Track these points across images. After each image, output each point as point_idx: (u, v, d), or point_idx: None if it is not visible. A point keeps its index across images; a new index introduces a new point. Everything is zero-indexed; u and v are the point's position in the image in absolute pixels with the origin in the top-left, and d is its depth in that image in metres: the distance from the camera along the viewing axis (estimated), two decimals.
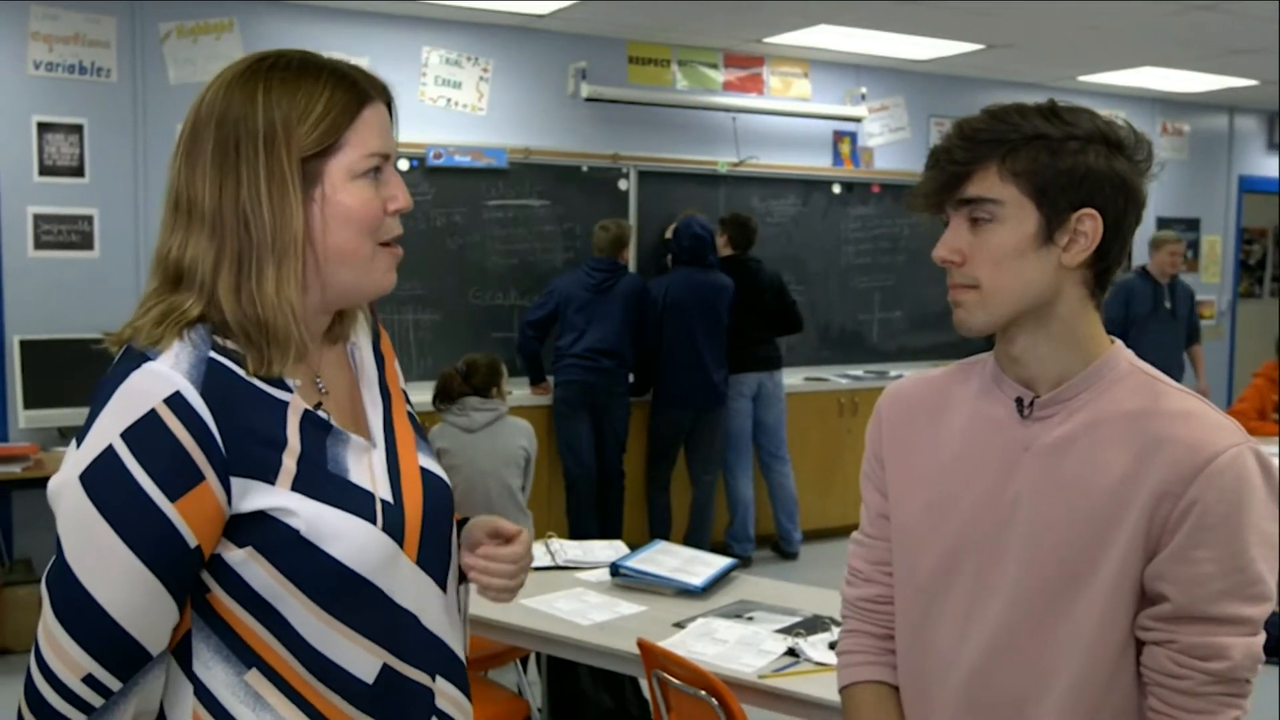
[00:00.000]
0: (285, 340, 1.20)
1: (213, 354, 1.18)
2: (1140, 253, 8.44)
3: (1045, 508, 1.37)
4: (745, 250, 6.21)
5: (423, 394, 5.47)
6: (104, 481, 1.12)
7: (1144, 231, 8.43)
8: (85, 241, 5.23)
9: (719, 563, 3.25)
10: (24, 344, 4.94)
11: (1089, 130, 1.34)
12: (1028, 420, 1.41)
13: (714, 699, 2.30)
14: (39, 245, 5.15)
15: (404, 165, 5.82)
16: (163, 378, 1.14)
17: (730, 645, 2.64)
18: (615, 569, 3.18)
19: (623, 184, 6.50)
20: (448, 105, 6.04)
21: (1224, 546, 1.27)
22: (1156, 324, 6.48)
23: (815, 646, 2.59)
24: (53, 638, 1.13)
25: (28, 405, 4.90)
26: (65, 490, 1.14)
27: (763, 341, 6.22)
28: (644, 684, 2.58)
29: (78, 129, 5.20)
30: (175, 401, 1.13)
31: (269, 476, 1.17)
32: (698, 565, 3.22)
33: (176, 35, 5.38)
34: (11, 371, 4.99)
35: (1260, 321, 9.58)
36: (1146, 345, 6.51)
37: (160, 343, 1.17)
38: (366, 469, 1.26)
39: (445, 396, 4.49)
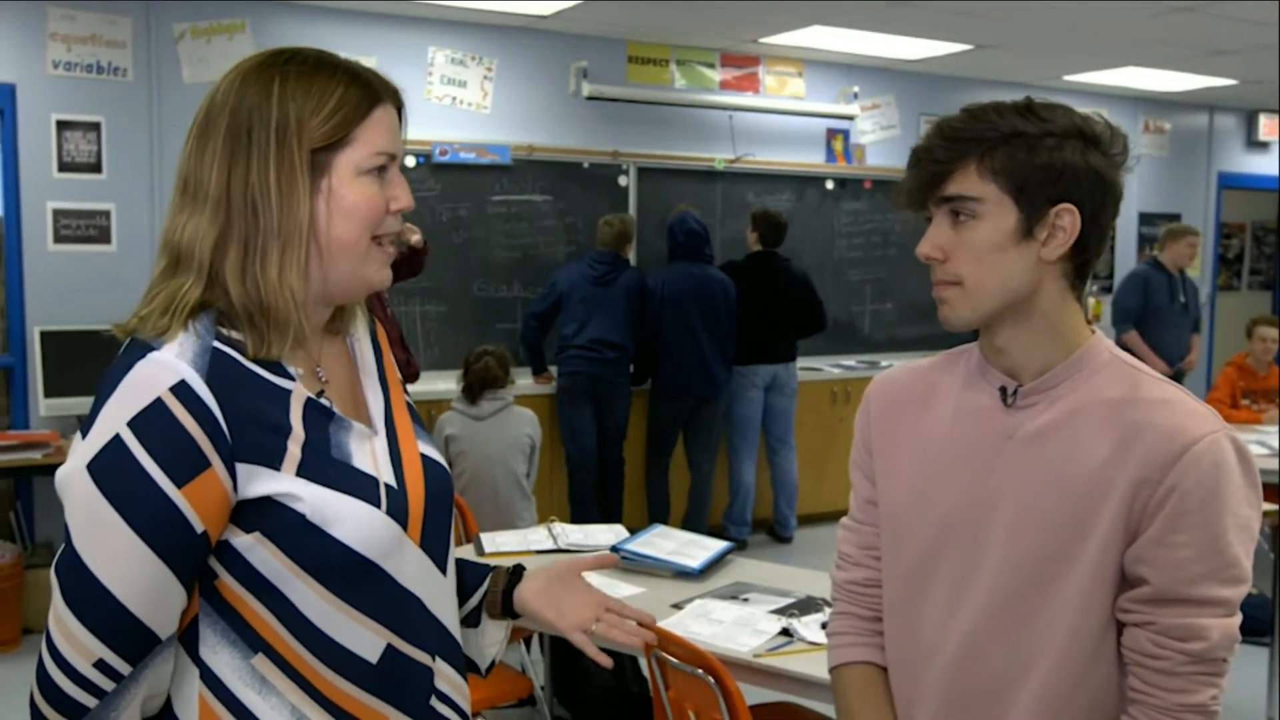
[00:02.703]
0: (285, 324, 1.19)
1: (216, 343, 1.17)
2: (1125, 246, 8.45)
3: (1028, 494, 1.37)
4: (774, 247, 6.19)
5: (430, 384, 5.49)
6: (112, 470, 1.11)
7: (1128, 225, 8.44)
8: (103, 236, 5.23)
9: (716, 546, 3.25)
10: (44, 335, 4.94)
11: (1065, 126, 1.34)
12: (1011, 409, 1.41)
13: (711, 677, 2.30)
14: (58, 239, 5.14)
15: (410, 162, 5.82)
16: (168, 366, 1.13)
17: (727, 625, 2.64)
18: (615, 552, 3.18)
19: (622, 180, 6.49)
20: (453, 103, 6.03)
21: (1202, 531, 1.27)
22: (1172, 316, 6.31)
23: (809, 626, 2.60)
24: (63, 624, 1.12)
25: (48, 394, 4.90)
26: (73, 479, 1.13)
27: (780, 337, 6.22)
28: (643, 663, 2.59)
29: (95, 126, 5.19)
30: (181, 390, 1.12)
31: (274, 462, 1.17)
32: (695, 548, 3.22)
33: (190, 36, 5.37)
34: (32, 361, 4.99)
35: (1239, 313, 9.56)
36: (1162, 337, 6.35)
37: (166, 333, 1.16)
38: (369, 455, 1.25)
39: (493, 384, 4.49)
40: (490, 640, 1.47)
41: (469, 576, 1.47)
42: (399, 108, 1.28)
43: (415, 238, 4.79)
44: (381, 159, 1.23)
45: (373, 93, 1.23)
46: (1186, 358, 6.55)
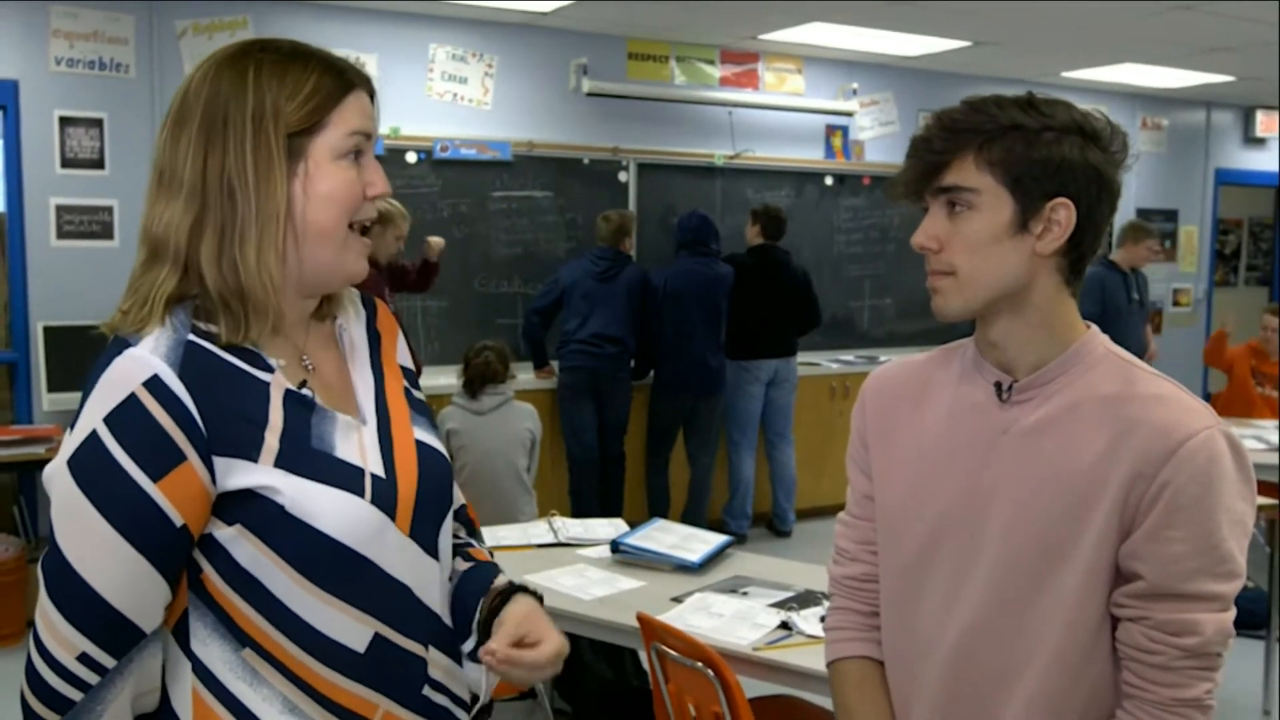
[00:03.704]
0: (263, 308, 1.20)
1: (192, 336, 1.18)
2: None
3: (1023, 489, 1.37)
4: (775, 240, 6.21)
5: (432, 378, 5.49)
6: (89, 466, 1.12)
7: (1124, 221, 8.43)
8: (105, 231, 5.22)
9: (715, 540, 3.25)
10: (47, 330, 4.94)
11: (1065, 122, 1.33)
12: (1006, 404, 1.41)
13: (710, 670, 2.30)
14: (61, 235, 5.14)
15: (412, 158, 5.82)
16: (141, 362, 1.14)
17: (726, 619, 2.65)
18: (615, 546, 3.18)
19: (623, 176, 6.49)
20: (454, 100, 6.03)
21: (1196, 526, 1.27)
22: (1129, 316, 6.30)
23: (807, 620, 2.60)
24: (48, 619, 1.13)
25: (51, 389, 4.90)
26: (56, 476, 1.14)
27: (782, 331, 6.23)
28: (643, 656, 2.59)
29: (98, 123, 5.19)
30: (153, 384, 1.13)
31: (251, 454, 1.16)
32: (695, 542, 3.22)
33: (192, 32, 5.36)
34: (35, 356, 4.99)
35: (1235, 309, 9.57)
36: (1124, 337, 6.33)
37: (143, 328, 1.17)
38: (356, 445, 1.25)
39: (493, 378, 4.50)
40: (473, 680, 1.36)
41: (469, 602, 1.37)
42: (371, 95, 1.29)
43: (435, 253, 4.92)
44: (356, 139, 1.24)
45: (346, 80, 1.24)
46: (1148, 352, 6.50)
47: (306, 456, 1.20)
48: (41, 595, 1.14)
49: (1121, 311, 6.16)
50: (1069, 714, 1.36)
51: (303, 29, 5.51)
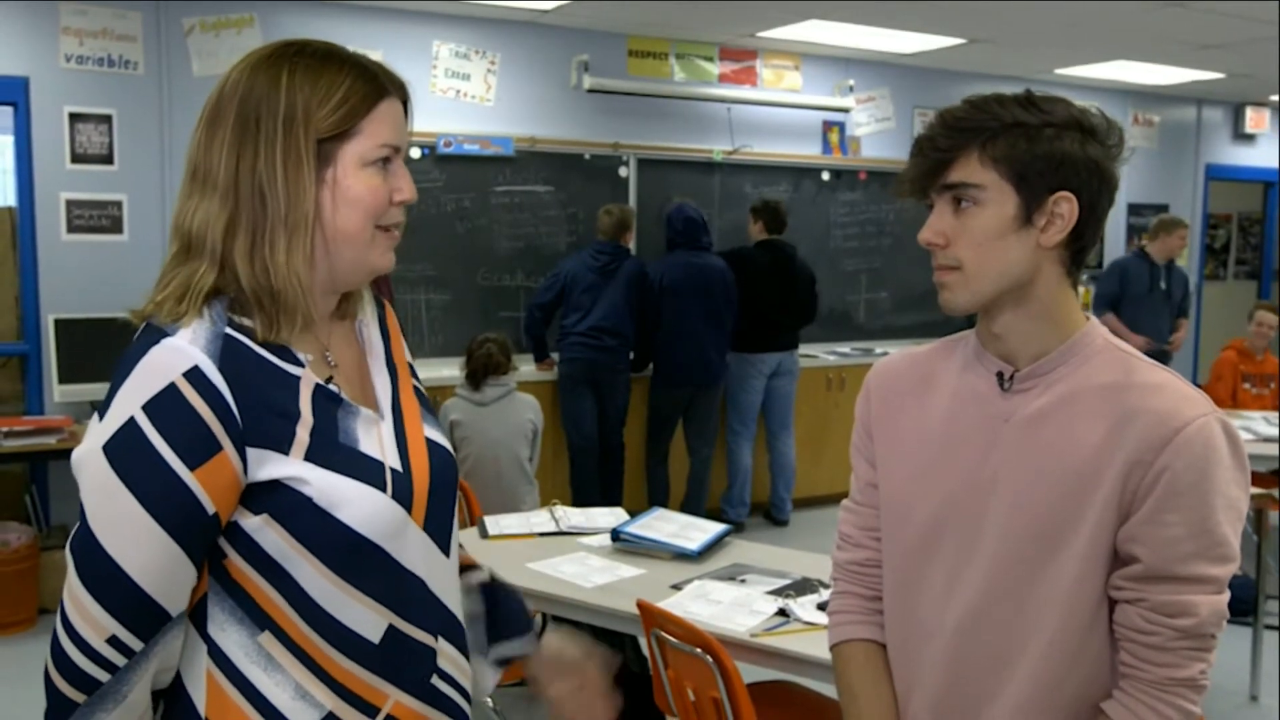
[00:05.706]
0: (293, 308, 1.20)
1: (229, 330, 1.17)
2: (1115, 236, 8.44)
3: (1024, 476, 1.37)
4: (778, 234, 6.20)
5: (435, 370, 5.49)
6: (126, 452, 1.11)
7: (1118, 215, 8.42)
8: (115, 226, 5.22)
9: (714, 529, 3.25)
10: (58, 322, 4.93)
11: (1064, 118, 1.34)
12: (1008, 393, 1.41)
13: (709, 656, 2.31)
14: (71, 229, 5.14)
15: (415, 153, 5.80)
16: (182, 352, 1.13)
17: (724, 606, 2.65)
18: (616, 534, 3.18)
19: (623, 171, 6.48)
20: (457, 96, 6.02)
21: (1192, 511, 1.28)
22: (1152, 303, 6.46)
23: (804, 607, 2.60)
24: (78, 601, 1.13)
25: (62, 380, 4.90)
26: (89, 460, 1.13)
27: (788, 324, 6.23)
28: (643, 642, 2.59)
29: (107, 119, 5.18)
30: (194, 375, 1.12)
31: (283, 447, 1.17)
32: (694, 531, 3.22)
33: (200, 30, 5.35)
34: (47, 349, 4.99)
35: (1224, 302, 9.59)
36: (1139, 321, 6.49)
37: (181, 319, 1.16)
38: (376, 440, 1.25)
39: (496, 370, 4.49)
40: (483, 682, 1.48)
41: (513, 622, 1.51)
42: (405, 101, 1.28)
43: None
44: (386, 151, 1.23)
45: (379, 86, 1.23)
46: (1171, 340, 6.63)
47: (334, 450, 1.20)
48: (70, 577, 1.14)
49: (1142, 299, 6.41)
50: (1066, 694, 1.37)
51: (308, 26, 5.50)
